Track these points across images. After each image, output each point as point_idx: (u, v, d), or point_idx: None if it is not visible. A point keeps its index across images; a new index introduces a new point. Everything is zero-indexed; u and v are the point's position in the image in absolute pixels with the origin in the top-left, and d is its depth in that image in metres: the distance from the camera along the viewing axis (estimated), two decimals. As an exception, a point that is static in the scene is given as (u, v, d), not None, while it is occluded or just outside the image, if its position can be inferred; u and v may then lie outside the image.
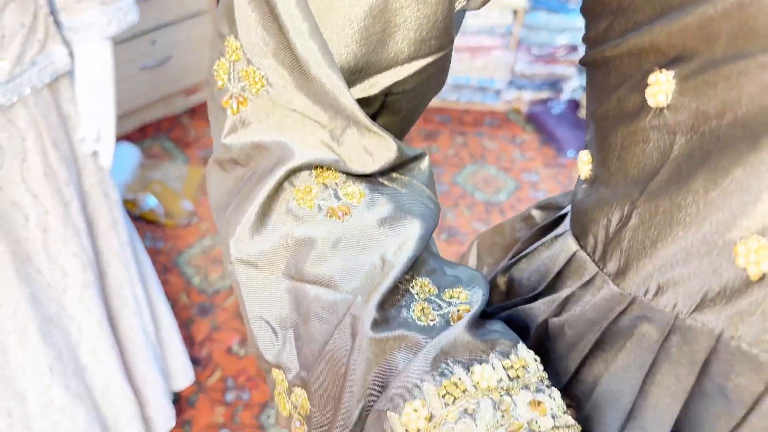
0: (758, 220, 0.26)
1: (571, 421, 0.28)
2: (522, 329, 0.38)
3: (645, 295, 0.31)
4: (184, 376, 1.28)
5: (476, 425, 0.26)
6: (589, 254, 0.35)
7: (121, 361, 1.07)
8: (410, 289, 0.31)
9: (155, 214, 1.69)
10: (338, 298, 0.30)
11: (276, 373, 0.33)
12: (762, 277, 0.26)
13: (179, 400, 1.38)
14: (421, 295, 0.31)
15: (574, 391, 0.35)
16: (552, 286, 0.38)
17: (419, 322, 0.30)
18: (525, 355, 0.29)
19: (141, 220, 1.72)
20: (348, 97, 0.31)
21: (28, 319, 0.93)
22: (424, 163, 0.37)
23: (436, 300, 0.31)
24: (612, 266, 0.33)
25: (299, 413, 0.33)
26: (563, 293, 0.36)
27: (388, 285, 0.29)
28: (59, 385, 0.97)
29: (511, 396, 0.28)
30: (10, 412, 0.98)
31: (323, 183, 0.33)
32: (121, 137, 1.90)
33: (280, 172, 0.32)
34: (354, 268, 0.31)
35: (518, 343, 0.30)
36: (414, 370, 0.28)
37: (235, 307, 1.58)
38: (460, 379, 0.27)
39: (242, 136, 0.33)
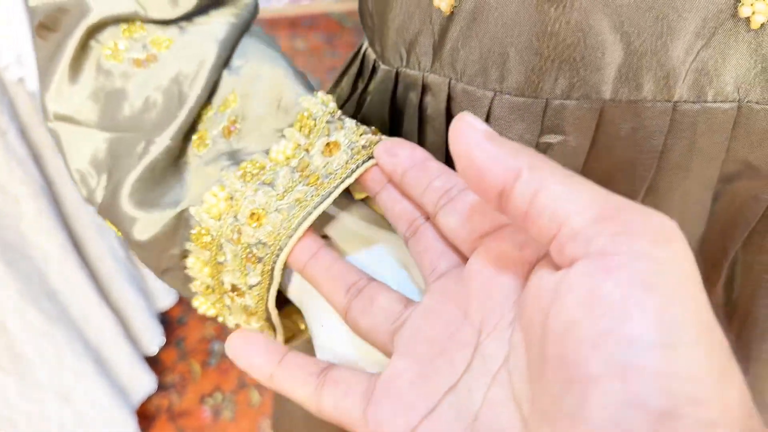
0: None
1: (371, 139, 0.29)
2: None
3: (402, 63, 0.33)
4: (166, 294, 1.32)
5: (274, 189, 0.28)
6: (371, 47, 0.37)
7: (93, 281, 1.10)
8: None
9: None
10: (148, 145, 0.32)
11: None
12: (452, 11, 0.28)
13: (170, 322, 1.43)
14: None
15: None
16: (355, 90, 0.39)
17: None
18: (307, 105, 0.30)
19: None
20: None
21: (-12, 248, 0.96)
22: None
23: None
24: (378, 47, 0.35)
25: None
26: (359, 91, 0.38)
27: (180, 122, 0.31)
28: (33, 308, 1.01)
29: (309, 152, 0.29)
30: (-5, 342, 1.03)
31: (131, 37, 0.33)
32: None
33: (80, 32, 0.32)
34: (159, 113, 0.32)
35: (298, 97, 0.31)
36: (212, 168, 0.30)
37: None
38: (257, 161, 0.29)
39: None
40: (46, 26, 0.35)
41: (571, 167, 0.30)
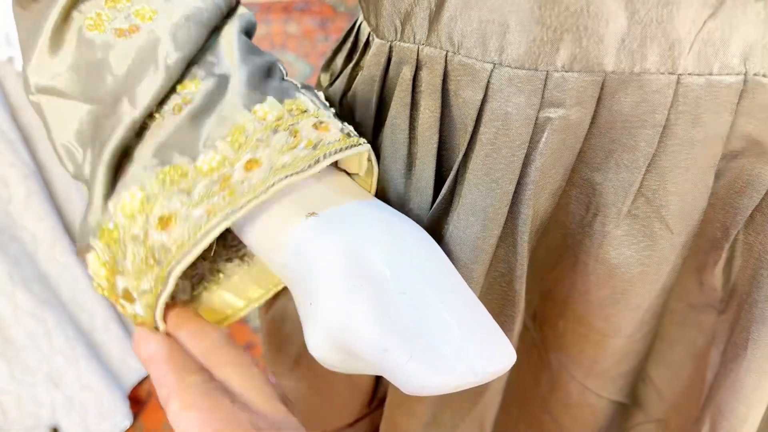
0: None
1: (296, 155, 0.28)
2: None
3: (396, 36, 0.32)
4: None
5: (190, 197, 0.28)
6: (366, 20, 0.36)
7: (84, 264, 1.09)
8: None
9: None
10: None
11: (84, 188, 0.35)
12: None
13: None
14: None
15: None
16: (348, 65, 0.38)
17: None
18: (242, 120, 0.29)
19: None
20: None
21: (-23, 230, 0.95)
22: None
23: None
24: (373, 20, 0.33)
25: None
26: (352, 65, 0.37)
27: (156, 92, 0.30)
28: (22, 290, 1.00)
29: (233, 166, 0.29)
30: (-16, 326, 1.01)
31: (114, 7, 0.32)
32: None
33: (63, 2, 0.31)
34: (141, 84, 0.31)
35: (235, 111, 0.29)
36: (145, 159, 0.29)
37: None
38: (180, 167, 0.29)
39: None
40: None
41: (572, 142, 0.29)
